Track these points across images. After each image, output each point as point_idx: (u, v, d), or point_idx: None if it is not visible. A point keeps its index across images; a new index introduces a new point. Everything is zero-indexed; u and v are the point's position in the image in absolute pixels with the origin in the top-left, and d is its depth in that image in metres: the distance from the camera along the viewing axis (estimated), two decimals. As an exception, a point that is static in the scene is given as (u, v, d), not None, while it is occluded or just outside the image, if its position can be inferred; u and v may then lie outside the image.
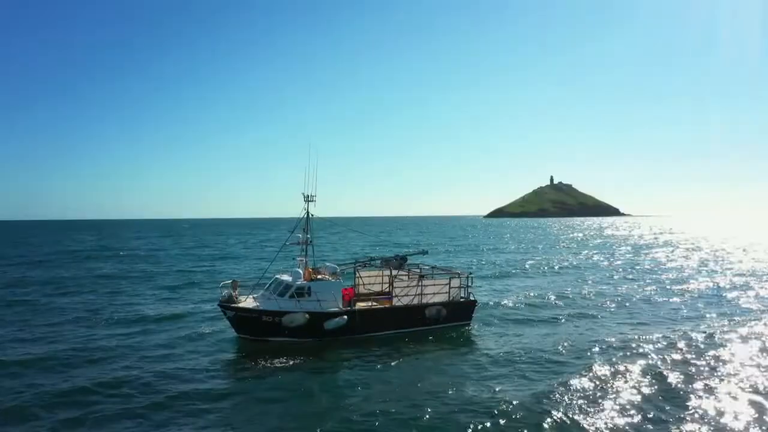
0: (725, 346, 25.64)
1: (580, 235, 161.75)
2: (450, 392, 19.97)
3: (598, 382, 20.80)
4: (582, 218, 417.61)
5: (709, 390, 19.97)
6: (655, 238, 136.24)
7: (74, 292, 45.06)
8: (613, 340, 27.20)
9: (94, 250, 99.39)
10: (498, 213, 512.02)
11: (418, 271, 32.45)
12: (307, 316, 26.41)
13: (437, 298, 30.29)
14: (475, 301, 31.49)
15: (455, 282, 31.07)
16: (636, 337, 27.76)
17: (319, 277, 28.67)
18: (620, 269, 62.69)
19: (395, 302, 29.48)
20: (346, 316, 27.09)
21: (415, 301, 29.74)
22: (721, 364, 22.94)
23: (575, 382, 20.67)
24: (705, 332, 28.38)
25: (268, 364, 23.42)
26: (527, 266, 66.37)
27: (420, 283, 30.15)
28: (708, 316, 34.02)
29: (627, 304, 38.43)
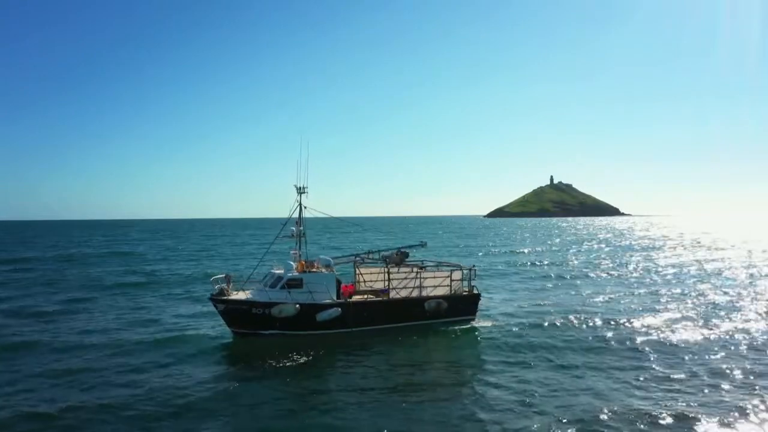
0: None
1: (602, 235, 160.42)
2: (447, 391, 18.76)
3: (605, 382, 19.45)
4: (587, 218, 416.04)
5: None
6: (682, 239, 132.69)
7: (65, 292, 43.65)
8: (625, 338, 25.72)
9: (90, 251, 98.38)
10: (498, 213, 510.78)
11: (421, 264, 30.94)
12: (297, 306, 25.09)
13: (437, 292, 28.81)
14: (478, 295, 29.93)
15: (457, 275, 29.59)
16: (647, 336, 26.37)
17: (313, 269, 27.37)
18: (640, 271, 57.40)
19: (392, 295, 28.04)
20: (339, 308, 25.73)
21: (414, 294, 28.26)
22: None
23: (581, 382, 19.38)
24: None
25: (259, 364, 22.05)
26: (539, 265, 64.73)
27: (419, 276, 28.68)
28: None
29: (647, 303, 35.38)
